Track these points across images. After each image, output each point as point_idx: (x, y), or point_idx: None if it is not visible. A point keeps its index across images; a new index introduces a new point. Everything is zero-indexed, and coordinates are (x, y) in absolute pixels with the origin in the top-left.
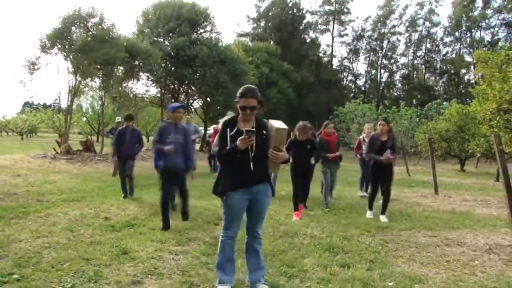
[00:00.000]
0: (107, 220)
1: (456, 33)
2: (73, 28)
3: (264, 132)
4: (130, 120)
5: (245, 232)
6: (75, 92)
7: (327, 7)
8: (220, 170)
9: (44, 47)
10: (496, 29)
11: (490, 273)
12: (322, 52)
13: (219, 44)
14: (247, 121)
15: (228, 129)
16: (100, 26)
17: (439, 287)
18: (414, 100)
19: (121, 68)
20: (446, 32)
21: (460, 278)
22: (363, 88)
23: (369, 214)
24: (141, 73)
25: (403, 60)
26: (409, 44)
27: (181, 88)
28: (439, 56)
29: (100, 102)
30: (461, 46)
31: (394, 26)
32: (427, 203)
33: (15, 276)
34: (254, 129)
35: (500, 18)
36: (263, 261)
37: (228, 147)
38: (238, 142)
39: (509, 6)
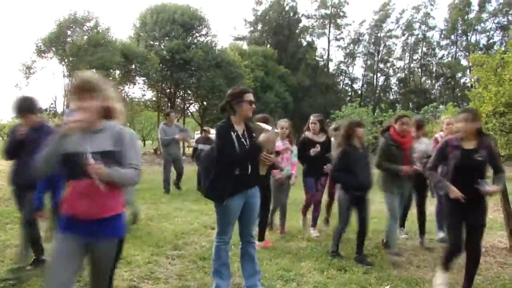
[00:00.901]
0: None
1: (452, 37)
2: (69, 32)
3: (254, 135)
4: (30, 113)
5: (239, 238)
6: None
7: (323, 11)
8: (214, 174)
9: (39, 51)
10: (492, 32)
11: (486, 276)
12: (319, 55)
13: (215, 48)
14: (242, 121)
15: (232, 132)
16: (95, 30)
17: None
18: (410, 104)
19: (117, 72)
20: (442, 36)
21: (456, 281)
22: (359, 92)
23: (439, 284)
24: (137, 77)
25: (399, 63)
26: (405, 48)
27: (177, 92)
28: (435, 60)
29: None
30: (457, 49)
31: (390, 30)
32: None
33: (11, 281)
34: (273, 130)
35: (495, 21)
36: (258, 265)
37: (242, 150)
38: (266, 136)
39: (504, 10)
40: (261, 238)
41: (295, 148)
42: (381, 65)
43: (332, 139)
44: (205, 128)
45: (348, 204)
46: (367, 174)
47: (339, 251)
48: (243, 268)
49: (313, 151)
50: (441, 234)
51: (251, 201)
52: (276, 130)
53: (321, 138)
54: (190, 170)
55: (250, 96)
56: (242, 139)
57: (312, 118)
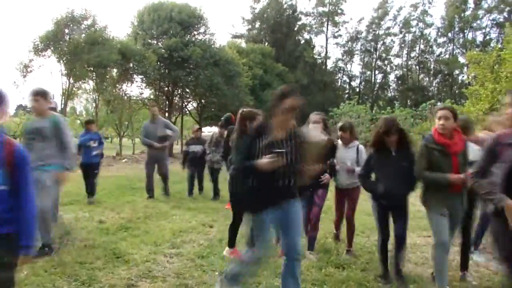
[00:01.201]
0: (101, 223)
1: (449, 34)
2: (66, 30)
3: (300, 142)
4: None
5: (284, 253)
6: (68, 94)
7: (320, 9)
8: (246, 185)
9: (37, 50)
10: (488, 29)
11: (484, 273)
12: (317, 53)
13: (213, 46)
14: (284, 127)
15: (259, 139)
16: (93, 28)
17: (433, 287)
18: (408, 101)
19: (115, 70)
20: (439, 33)
21: (454, 277)
22: (357, 89)
23: None
24: (135, 76)
25: (397, 61)
26: (403, 45)
27: (175, 90)
28: (433, 57)
29: (94, 105)
30: (454, 46)
31: (388, 28)
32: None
33: None
34: (283, 151)
35: (491, 18)
36: (300, 286)
37: (252, 161)
38: (263, 162)
39: (501, 6)
40: (231, 244)
41: None
42: (379, 63)
43: (339, 141)
44: (198, 126)
45: (378, 214)
46: (397, 181)
47: (388, 273)
48: (283, 286)
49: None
50: (476, 257)
51: (289, 214)
52: (323, 138)
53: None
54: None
55: (289, 102)
56: (279, 146)
57: (313, 117)
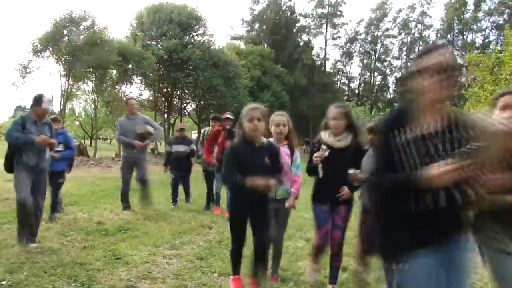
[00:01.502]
0: (100, 224)
1: (449, 36)
2: (65, 31)
3: (470, 135)
4: None
5: None
6: (67, 95)
7: (319, 10)
8: (383, 216)
9: (36, 51)
10: (487, 31)
11: (483, 274)
12: (316, 55)
13: (212, 47)
14: (436, 110)
15: (396, 133)
16: (92, 30)
17: None
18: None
19: (114, 71)
20: (439, 35)
21: None
22: (356, 91)
23: None
24: (134, 77)
25: (396, 63)
26: (402, 47)
27: (175, 92)
28: None
29: (93, 106)
30: (454, 48)
31: (387, 29)
32: None
33: (5, 282)
34: (472, 148)
35: (490, 20)
36: None
37: (396, 174)
38: (436, 173)
39: (501, 8)
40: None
41: (297, 156)
42: (378, 64)
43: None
44: (182, 126)
45: None
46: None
47: None
48: None
49: (315, 158)
50: None
51: (455, 261)
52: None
53: (343, 141)
54: None
55: (430, 59)
56: (429, 142)
57: (333, 110)
